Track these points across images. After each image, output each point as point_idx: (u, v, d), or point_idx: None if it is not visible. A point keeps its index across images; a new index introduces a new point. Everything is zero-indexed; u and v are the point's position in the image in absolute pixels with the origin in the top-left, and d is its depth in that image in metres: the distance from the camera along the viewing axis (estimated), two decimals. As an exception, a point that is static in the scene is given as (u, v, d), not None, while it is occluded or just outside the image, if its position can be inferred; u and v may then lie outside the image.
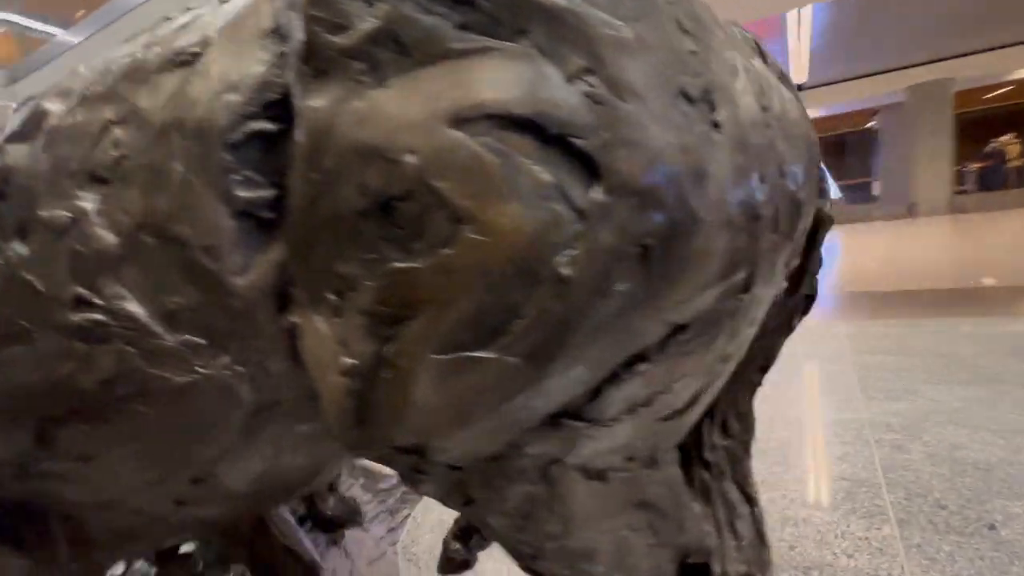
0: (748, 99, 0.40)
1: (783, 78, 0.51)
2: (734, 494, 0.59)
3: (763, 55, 0.50)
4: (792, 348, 3.00)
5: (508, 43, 0.34)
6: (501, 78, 0.34)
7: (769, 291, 0.46)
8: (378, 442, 0.39)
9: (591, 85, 0.34)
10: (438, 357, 0.35)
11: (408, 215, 0.34)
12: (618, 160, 0.34)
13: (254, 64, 0.40)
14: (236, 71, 0.41)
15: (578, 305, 0.34)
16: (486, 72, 0.34)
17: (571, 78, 0.34)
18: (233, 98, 0.40)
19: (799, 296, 0.57)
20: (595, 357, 0.36)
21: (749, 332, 0.46)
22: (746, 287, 0.41)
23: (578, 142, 0.34)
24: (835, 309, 4.64)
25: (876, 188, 16.07)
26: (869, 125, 16.79)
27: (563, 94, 0.34)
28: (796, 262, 0.50)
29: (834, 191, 15.02)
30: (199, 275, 0.40)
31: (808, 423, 2.22)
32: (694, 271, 0.36)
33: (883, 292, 5.04)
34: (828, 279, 6.56)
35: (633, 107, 0.34)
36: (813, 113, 14.95)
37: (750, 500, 0.61)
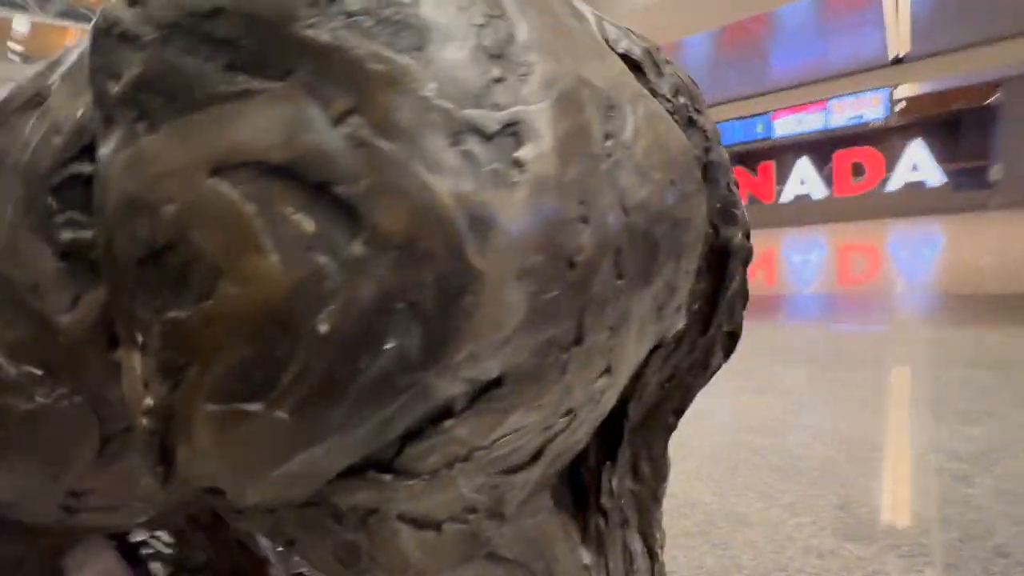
0: (580, 127, 0.35)
1: (680, 92, 0.44)
2: (636, 545, 0.53)
3: (652, 67, 0.43)
4: (855, 352, 2.77)
5: (274, 84, 0.32)
6: (262, 122, 0.32)
7: (624, 340, 0.40)
8: (181, 482, 0.39)
9: (355, 127, 0.31)
10: (212, 407, 0.34)
11: (174, 265, 0.34)
12: (378, 209, 0.31)
13: (77, 107, 0.41)
14: (63, 114, 0.42)
15: (343, 362, 0.32)
16: (248, 116, 0.32)
17: (336, 120, 0.31)
18: (57, 141, 0.41)
19: (716, 334, 0.50)
20: (380, 414, 0.34)
21: (603, 383, 0.41)
22: (577, 339, 0.37)
23: (340, 190, 0.31)
24: (923, 312, 4.14)
25: (994, 173, 14.08)
26: (989, 101, 14.67)
27: (326, 138, 0.31)
28: (675, 299, 0.43)
29: (940, 176, 13.32)
30: (28, 312, 0.42)
31: (858, 441, 2.00)
32: (482, 328, 0.32)
33: (988, 294, 4.41)
34: (921, 277, 5.86)
35: (399, 149, 0.31)
36: (916, 90, 13.32)
37: (652, 554, 0.54)
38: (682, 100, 0.45)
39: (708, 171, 0.45)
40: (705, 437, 2.16)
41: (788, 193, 14.45)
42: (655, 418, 0.53)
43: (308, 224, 0.31)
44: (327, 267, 0.31)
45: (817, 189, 14.11)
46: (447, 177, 0.31)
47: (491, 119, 0.33)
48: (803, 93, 13.29)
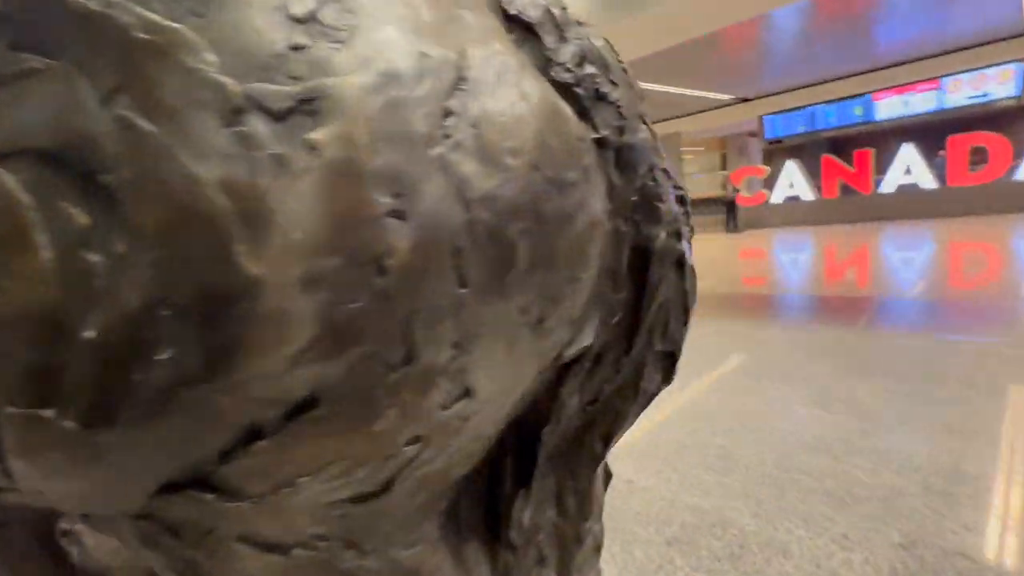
0: (405, 101, 0.30)
1: (588, 61, 0.37)
2: (552, 587, 0.46)
3: (552, 31, 0.36)
4: (954, 366, 2.44)
5: (50, 61, 0.30)
6: (39, 105, 0.29)
7: (482, 359, 0.35)
8: (17, 482, 0.38)
9: (122, 106, 0.28)
10: (12, 410, 0.33)
11: None
12: (138, 202, 0.27)
13: None
14: None
15: (115, 372, 0.29)
16: (28, 99, 0.30)
17: (105, 99, 0.28)
18: None
19: (645, 353, 0.42)
20: (175, 430, 0.31)
21: (462, 407, 0.36)
22: (407, 358, 0.32)
23: (106, 179, 0.28)
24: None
25: None
26: None
27: (94, 120, 0.28)
28: (560, 311, 0.36)
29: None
30: None
31: (936, 470, 1.73)
32: (264, 343, 0.28)
33: None
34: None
35: (163, 132, 0.27)
36: (1060, 60, 11.30)
37: (567, 601, 0.47)
38: (589, 70, 0.37)
39: (621, 155, 0.37)
40: (752, 450, 1.98)
41: (890, 183, 12.91)
42: (580, 445, 0.46)
43: (83, 218, 0.28)
44: (97, 266, 0.28)
45: (926, 179, 12.50)
46: (215, 163, 0.27)
47: (282, 94, 0.28)
48: (912, 70, 11.77)
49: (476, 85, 0.31)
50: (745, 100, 13.41)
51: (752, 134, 16.05)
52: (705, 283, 6.19)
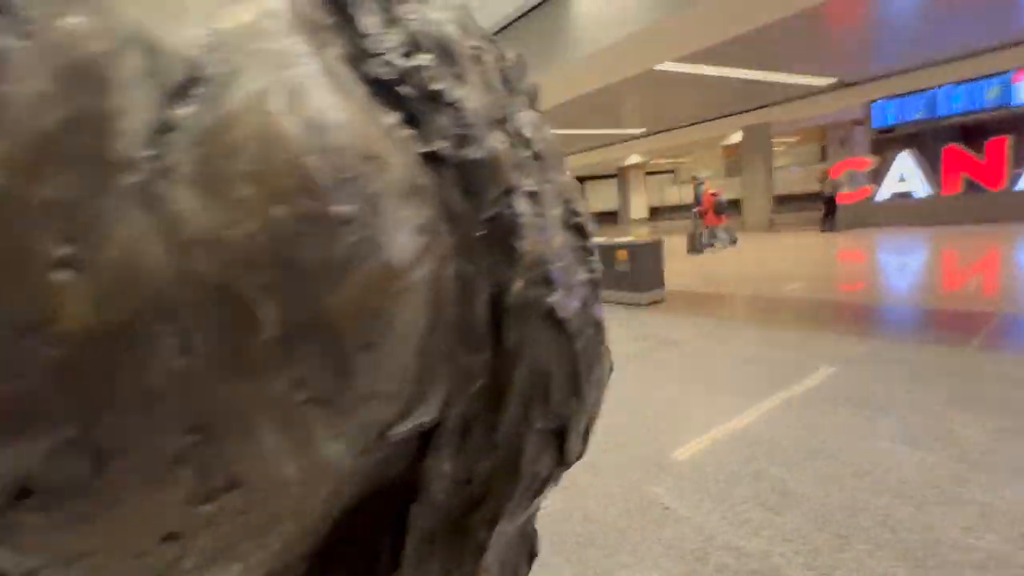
0: (90, 115, 0.23)
1: (423, 50, 0.28)
2: None
3: (374, 12, 0.28)
4: None
5: None
6: None
7: (243, 444, 0.27)
8: None
9: None
10: None
11: None
12: None
13: None
14: None
15: None
16: None
17: None
18: None
19: (520, 429, 0.33)
20: None
21: (231, 500, 0.29)
22: (118, 448, 0.25)
23: None
24: None
25: None
26: None
27: None
28: (345, 383, 0.28)
29: None
30: None
31: (1059, 539, 1.40)
32: None
33: None
34: None
35: None
36: None
37: None
38: (420, 61, 0.28)
39: (463, 175, 0.28)
40: (815, 487, 1.73)
41: (1031, 177, 11.04)
42: (462, 529, 0.38)
43: None
44: None
45: (1082, 172, 10.50)
46: None
47: None
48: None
49: (217, 89, 0.23)
50: (848, 84, 12.04)
51: (857, 122, 14.43)
52: (790, 287, 5.64)
